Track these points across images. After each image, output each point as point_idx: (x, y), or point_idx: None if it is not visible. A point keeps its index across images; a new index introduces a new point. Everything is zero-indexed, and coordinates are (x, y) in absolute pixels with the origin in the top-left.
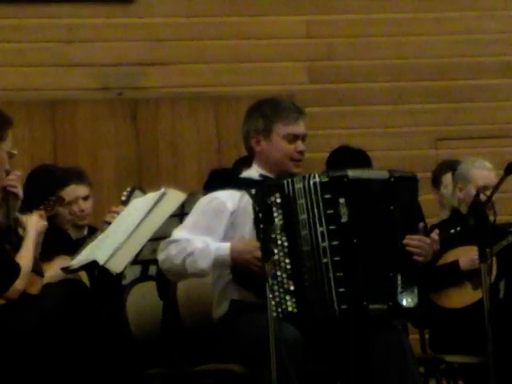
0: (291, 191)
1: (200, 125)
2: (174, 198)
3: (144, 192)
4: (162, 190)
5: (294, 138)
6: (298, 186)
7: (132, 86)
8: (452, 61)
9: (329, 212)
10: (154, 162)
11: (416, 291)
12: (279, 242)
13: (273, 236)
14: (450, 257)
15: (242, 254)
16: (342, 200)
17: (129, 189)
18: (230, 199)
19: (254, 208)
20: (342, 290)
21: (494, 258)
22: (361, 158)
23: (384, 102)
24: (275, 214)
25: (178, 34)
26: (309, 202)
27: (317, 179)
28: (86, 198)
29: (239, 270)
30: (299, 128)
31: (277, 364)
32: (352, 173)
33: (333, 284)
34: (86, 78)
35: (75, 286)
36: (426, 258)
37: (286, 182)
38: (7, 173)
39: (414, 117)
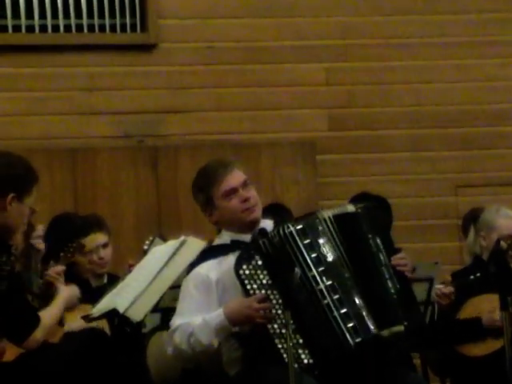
0: (270, 249)
1: None
2: (194, 245)
3: (164, 240)
4: (182, 237)
5: (232, 192)
6: (275, 240)
7: (152, 134)
8: (472, 108)
9: (313, 255)
10: (174, 210)
11: (419, 307)
12: (274, 302)
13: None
14: (470, 306)
15: (240, 312)
16: (321, 240)
17: (151, 238)
18: (210, 270)
19: (238, 278)
20: (350, 324)
21: None
22: (380, 205)
23: (404, 149)
24: (261, 276)
25: (198, 82)
26: (291, 253)
27: (291, 228)
28: (105, 246)
29: (244, 335)
30: (232, 181)
31: None
32: (322, 213)
33: (340, 321)
34: (106, 126)
35: (96, 334)
36: (410, 272)
37: (261, 241)
38: (30, 227)
39: (434, 164)
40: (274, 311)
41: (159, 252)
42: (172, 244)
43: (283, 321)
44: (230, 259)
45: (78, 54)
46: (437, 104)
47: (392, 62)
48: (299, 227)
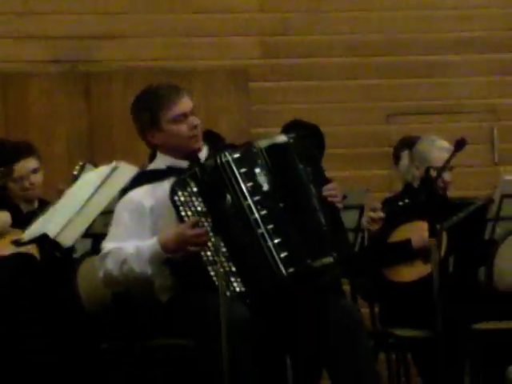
0: (205, 176)
1: None
2: (126, 171)
3: (95, 166)
4: (114, 163)
5: (182, 118)
6: (211, 168)
7: (85, 59)
8: (406, 36)
9: (249, 185)
10: (106, 137)
11: (348, 237)
12: (208, 229)
13: (200, 224)
14: (401, 232)
15: (174, 240)
16: (257, 170)
17: (81, 163)
18: (144, 196)
19: (173, 204)
20: (284, 254)
21: (445, 234)
22: (313, 133)
23: (337, 77)
24: (196, 204)
25: (131, 7)
26: (227, 182)
27: (228, 157)
28: (35, 171)
29: (176, 262)
30: (183, 106)
31: (227, 342)
32: (258, 143)
33: (274, 252)
34: (38, 51)
35: (26, 259)
36: (340, 203)
37: (197, 169)
38: None
39: (367, 92)
40: (208, 237)
41: (90, 178)
42: (103, 170)
43: (217, 249)
44: (165, 186)
45: None
46: (370, 32)
47: None
48: (236, 156)
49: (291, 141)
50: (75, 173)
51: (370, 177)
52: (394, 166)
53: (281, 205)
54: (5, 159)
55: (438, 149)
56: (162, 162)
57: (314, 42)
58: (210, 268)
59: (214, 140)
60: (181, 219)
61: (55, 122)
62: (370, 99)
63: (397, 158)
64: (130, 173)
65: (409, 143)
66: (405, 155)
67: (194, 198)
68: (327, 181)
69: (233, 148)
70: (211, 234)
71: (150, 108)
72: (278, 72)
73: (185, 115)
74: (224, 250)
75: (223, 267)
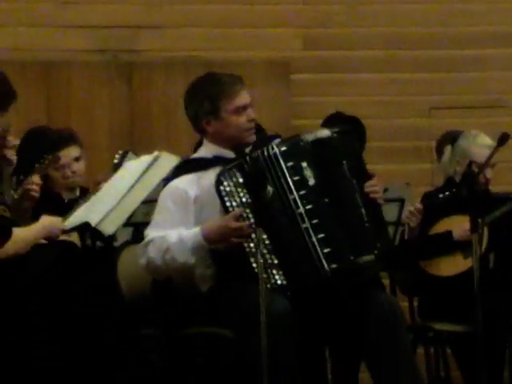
0: (252, 167)
1: None
2: (168, 161)
3: (137, 155)
4: (155, 153)
5: (242, 110)
6: (259, 160)
7: (127, 49)
8: (446, 30)
9: (295, 178)
10: (147, 126)
11: (389, 234)
12: (252, 220)
13: (244, 215)
14: (442, 225)
15: (217, 231)
16: (304, 164)
17: (121, 152)
18: (189, 185)
19: (218, 194)
20: (327, 250)
21: (486, 229)
22: (354, 125)
23: (378, 70)
24: (241, 195)
25: None
26: (273, 174)
27: (276, 150)
28: (77, 159)
29: (218, 252)
30: (245, 97)
31: (267, 334)
32: (306, 136)
33: (317, 246)
34: (81, 40)
35: (68, 248)
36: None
37: (243, 160)
38: (1, 139)
39: (408, 86)
40: (251, 230)
41: (132, 167)
42: (145, 159)
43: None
44: (210, 175)
45: None
46: (412, 25)
47: None
48: (283, 149)
49: (335, 135)
50: (116, 161)
51: (411, 171)
52: (436, 161)
53: (326, 200)
54: (48, 147)
55: (479, 145)
56: (208, 150)
57: (355, 35)
58: (252, 259)
59: (256, 131)
60: (225, 209)
61: (97, 111)
62: (410, 92)
63: (439, 152)
64: (171, 162)
65: (452, 138)
66: (447, 150)
67: (239, 189)
68: (369, 176)
69: (277, 138)
70: (255, 225)
71: (211, 96)
72: (319, 64)
73: (245, 107)
74: (267, 242)
75: (265, 259)
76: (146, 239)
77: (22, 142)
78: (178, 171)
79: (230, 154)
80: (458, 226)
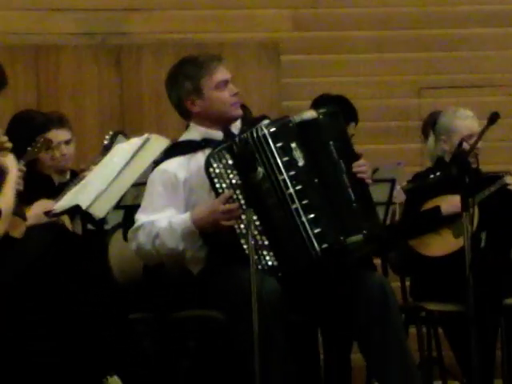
0: (241, 149)
1: None
2: (158, 143)
3: (127, 137)
4: (146, 135)
5: (224, 85)
6: (248, 141)
7: (115, 32)
8: (436, 10)
9: (284, 159)
10: (137, 109)
11: (378, 214)
12: (242, 202)
13: (234, 197)
14: (431, 204)
15: (207, 218)
16: (293, 145)
17: (111, 133)
18: (178, 168)
19: (208, 176)
20: (318, 230)
21: (476, 208)
22: (344, 105)
23: (368, 50)
24: (231, 176)
25: None
26: (263, 155)
27: (265, 131)
28: (67, 143)
29: (209, 234)
30: (225, 73)
31: (258, 315)
32: (294, 118)
33: (308, 227)
34: (69, 23)
35: (58, 229)
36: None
37: (233, 141)
38: None
39: (398, 66)
40: (241, 211)
41: (122, 149)
42: (135, 141)
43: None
44: (199, 158)
45: None
46: (401, 5)
47: None
48: (272, 130)
49: (321, 117)
50: (106, 142)
51: (402, 151)
52: (424, 142)
53: (315, 181)
54: (36, 129)
55: (461, 117)
56: (196, 132)
57: (345, 16)
58: (242, 241)
59: (243, 112)
60: (215, 191)
61: (86, 95)
62: (400, 73)
63: (426, 134)
64: (161, 144)
65: (434, 119)
66: (431, 132)
67: (229, 171)
68: (357, 156)
69: (265, 120)
70: (245, 207)
71: (191, 76)
72: (309, 45)
73: (226, 82)
74: (258, 223)
75: (256, 240)
76: (136, 224)
77: (10, 126)
78: (166, 154)
79: (218, 135)
80: (447, 202)
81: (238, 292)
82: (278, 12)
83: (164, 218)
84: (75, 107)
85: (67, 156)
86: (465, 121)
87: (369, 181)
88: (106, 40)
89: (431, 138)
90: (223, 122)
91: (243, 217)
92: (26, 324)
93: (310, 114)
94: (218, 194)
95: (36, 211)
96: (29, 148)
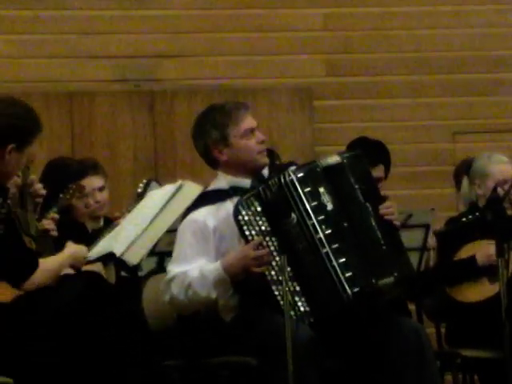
0: (269, 196)
1: None
2: (191, 190)
3: (160, 184)
4: (179, 182)
5: (250, 133)
6: (275, 187)
7: (149, 78)
8: (470, 54)
9: (313, 204)
10: (170, 154)
11: (407, 257)
12: (272, 248)
13: (264, 243)
14: (466, 251)
15: (237, 264)
16: (321, 189)
17: (145, 181)
18: (207, 217)
19: (238, 224)
20: (349, 274)
21: None
22: (379, 150)
23: (402, 95)
24: (260, 223)
25: (194, 26)
26: (291, 201)
27: (292, 176)
28: (101, 189)
29: (240, 282)
30: (251, 121)
31: (292, 362)
32: (322, 161)
33: (339, 271)
34: (103, 70)
35: (93, 278)
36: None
37: (261, 188)
38: (26, 169)
39: (432, 110)
40: (271, 258)
41: (156, 196)
42: (169, 188)
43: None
44: (228, 206)
45: None
46: (436, 50)
47: (391, 7)
48: (300, 175)
49: (345, 161)
50: (139, 190)
51: (436, 195)
52: (456, 187)
53: (344, 224)
54: (70, 176)
55: (495, 162)
56: (223, 181)
57: (378, 60)
58: (274, 287)
59: (271, 158)
60: (245, 238)
61: (120, 141)
62: (435, 117)
63: (458, 180)
64: (195, 191)
65: (467, 165)
66: (465, 180)
67: (257, 218)
68: (383, 198)
69: (292, 165)
70: (275, 253)
71: (218, 124)
72: (342, 90)
73: (252, 130)
74: (288, 269)
75: (287, 287)
76: (169, 276)
77: (45, 173)
78: (195, 204)
79: (245, 183)
80: (482, 251)
81: (272, 338)
82: (310, 57)
83: (195, 268)
84: (109, 153)
85: (101, 203)
86: (499, 165)
87: (396, 223)
88: (140, 86)
89: (465, 183)
90: (250, 170)
91: (273, 263)
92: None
93: (335, 158)
94: (247, 241)
95: (73, 252)
96: (61, 195)
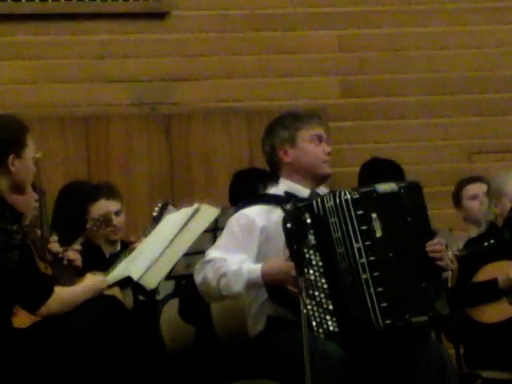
0: (321, 210)
1: (232, 139)
2: (208, 213)
3: (177, 207)
4: (196, 205)
5: (319, 140)
6: (329, 204)
7: (165, 101)
8: (484, 74)
9: (363, 228)
10: (186, 177)
11: (445, 298)
12: (314, 262)
13: (307, 256)
14: (486, 272)
15: (276, 275)
16: (374, 215)
17: (160, 204)
18: (258, 216)
19: (284, 229)
20: (384, 304)
21: None
22: (393, 170)
23: (416, 115)
24: (307, 235)
25: (210, 49)
26: (342, 220)
27: (348, 196)
28: (117, 213)
29: (274, 288)
30: (320, 130)
31: (315, 380)
32: (380, 187)
33: (375, 299)
34: (119, 94)
35: (111, 302)
36: (445, 261)
37: (315, 201)
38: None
39: (447, 130)
40: (311, 271)
41: (173, 219)
42: (186, 211)
43: (318, 284)
44: (281, 211)
45: (90, 22)
46: (450, 70)
47: (405, 28)
48: (356, 197)
49: (402, 191)
50: (155, 214)
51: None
52: (457, 208)
53: (390, 255)
54: (85, 199)
55: (511, 181)
56: (284, 187)
57: (393, 81)
58: (308, 301)
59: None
60: (290, 248)
61: (136, 164)
62: (450, 137)
63: (456, 200)
64: (211, 214)
65: (468, 181)
66: (466, 192)
67: (306, 229)
68: (432, 235)
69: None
70: (315, 268)
71: (288, 125)
72: (357, 111)
73: (320, 138)
74: (325, 286)
75: (321, 304)
76: (207, 257)
77: (60, 197)
78: (249, 202)
79: (304, 193)
80: (503, 272)
81: (295, 356)
82: (325, 78)
83: (235, 261)
84: (125, 176)
85: (118, 227)
86: None
87: (442, 263)
88: (156, 109)
89: (485, 202)
90: (312, 178)
91: (312, 277)
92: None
93: (392, 186)
94: (291, 251)
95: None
96: (88, 225)
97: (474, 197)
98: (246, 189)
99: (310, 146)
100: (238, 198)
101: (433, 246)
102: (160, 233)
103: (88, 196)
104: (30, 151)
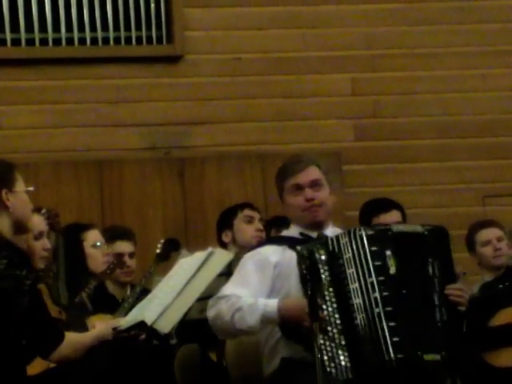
0: (336, 247)
1: (247, 183)
2: (222, 257)
3: (190, 252)
4: (210, 249)
5: (298, 188)
6: (344, 240)
7: (179, 145)
8: (498, 117)
9: (377, 264)
10: (200, 221)
11: (460, 341)
12: (327, 298)
13: (320, 293)
14: (501, 316)
15: (291, 311)
16: (388, 252)
17: (162, 240)
18: (272, 253)
19: (299, 265)
20: (396, 339)
21: None
22: (390, 200)
23: (430, 158)
24: (321, 271)
25: (223, 93)
26: (356, 256)
27: (362, 232)
28: (131, 256)
29: (288, 325)
30: (302, 177)
31: None
32: (395, 226)
33: (387, 333)
34: (132, 138)
35: (125, 346)
36: (465, 305)
37: (330, 238)
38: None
39: (461, 174)
40: (324, 306)
41: (186, 263)
42: (199, 255)
43: (331, 319)
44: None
45: (104, 67)
46: (463, 114)
47: (418, 71)
48: (370, 233)
49: (426, 233)
50: (158, 251)
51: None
52: (470, 253)
53: (403, 291)
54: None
55: None
56: (294, 230)
57: (406, 124)
58: (320, 336)
59: None
60: (304, 285)
61: (150, 208)
62: (464, 181)
63: (471, 243)
64: (225, 258)
65: (480, 225)
66: (479, 237)
67: (320, 266)
68: (454, 279)
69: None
70: (329, 303)
71: (277, 180)
72: (371, 154)
73: (299, 187)
74: (338, 321)
75: (333, 339)
76: (222, 293)
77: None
78: (264, 242)
79: (312, 235)
80: None
81: None
82: (339, 122)
83: (251, 297)
84: (139, 221)
85: (130, 268)
86: None
87: (461, 308)
88: (169, 153)
89: (504, 246)
90: (305, 226)
91: (325, 312)
92: None
93: (413, 227)
94: (305, 287)
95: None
96: (101, 270)
97: (487, 243)
98: None
99: (290, 197)
100: None
101: (453, 289)
102: (174, 277)
103: (78, 228)
104: (21, 185)
